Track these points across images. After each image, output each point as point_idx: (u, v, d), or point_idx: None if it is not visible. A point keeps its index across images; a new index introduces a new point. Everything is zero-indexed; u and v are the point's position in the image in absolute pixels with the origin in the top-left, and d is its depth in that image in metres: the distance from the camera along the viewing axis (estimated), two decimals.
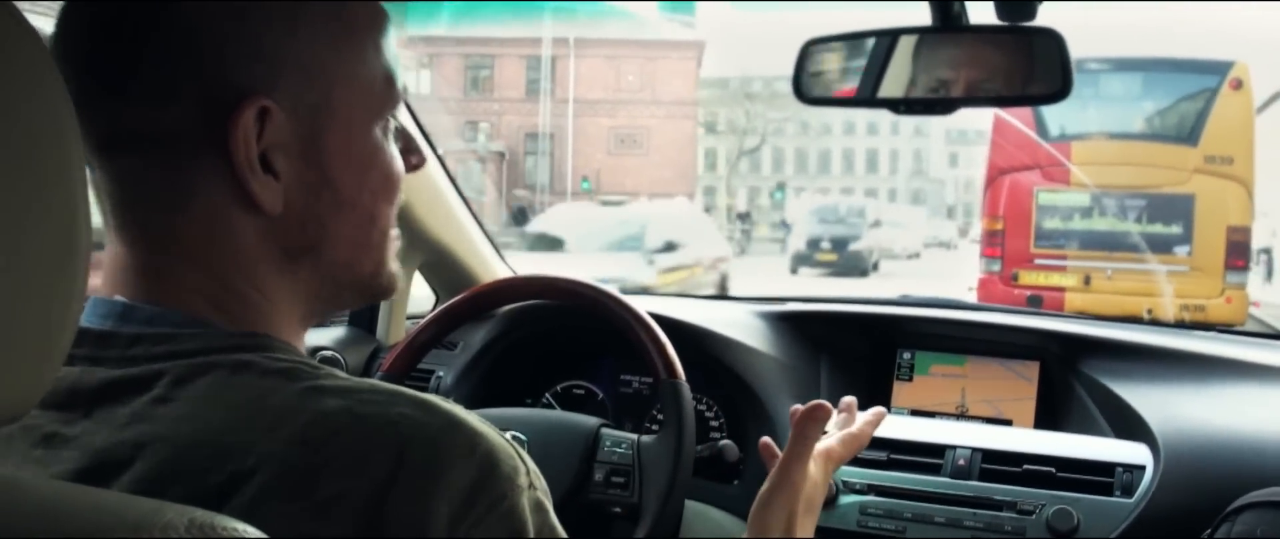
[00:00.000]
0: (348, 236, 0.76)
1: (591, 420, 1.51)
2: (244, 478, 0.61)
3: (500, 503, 0.65)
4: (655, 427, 1.81)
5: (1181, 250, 8.48)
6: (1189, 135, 8.54)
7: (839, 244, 21.08)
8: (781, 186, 45.13)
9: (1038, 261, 8.76)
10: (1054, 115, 8.79)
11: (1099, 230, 8.67)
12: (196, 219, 0.70)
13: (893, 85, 1.40)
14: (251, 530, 0.53)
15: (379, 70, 0.76)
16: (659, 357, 1.45)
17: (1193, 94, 8.65)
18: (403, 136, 0.80)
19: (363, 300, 0.82)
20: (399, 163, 0.79)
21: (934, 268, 23.42)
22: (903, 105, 1.39)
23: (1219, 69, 8.67)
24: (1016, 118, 8.67)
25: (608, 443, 1.48)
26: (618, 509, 1.44)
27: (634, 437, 1.48)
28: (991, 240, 8.97)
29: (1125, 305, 7.97)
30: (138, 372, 0.67)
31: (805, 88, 1.41)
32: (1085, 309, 7.81)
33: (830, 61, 1.42)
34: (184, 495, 0.60)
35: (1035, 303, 8.46)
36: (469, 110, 32.26)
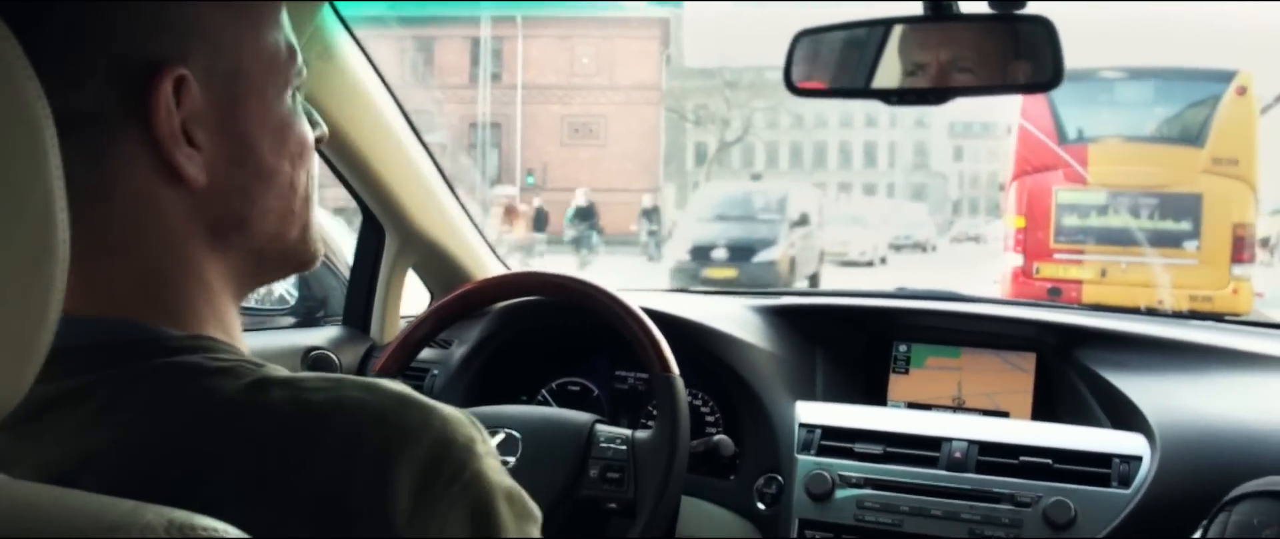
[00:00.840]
0: (273, 207, 0.75)
1: (585, 416, 1.51)
2: (198, 480, 0.61)
3: (463, 471, 0.65)
4: (650, 423, 1.81)
5: (1190, 245, 9.06)
6: (1197, 138, 9.19)
7: (741, 252, 14.29)
8: (757, 178, 38.43)
9: (1057, 256, 9.35)
10: (1072, 120, 9.51)
11: (1114, 227, 9.23)
12: (122, 204, 0.69)
13: (885, 76, 1.40)
14: (231, 530, 0.53)
15: (282, 40, 0.76)
16: (653, 351, 1.44)
17: (1200, 100, 9.35)
18: (305, 109, 0.80)
19: (290, 271, 0.81)
20: (309, 131, 0.79)
21: (900, 278, 18.82)
22: (895, 96, 1.39)
23: (1224, 77, 9.32)
24: (1037, 122, 9.40)
25: (602, 439, 1.47)
26: (613, 505, 1.43)
27: (628, 432, 1.47)
28: (1016, 236, 9.54)
29: (1138, 296, 8.68)
30: (79, 383, 0.66)
31: (796, 79, 1.40)
32: (1101, 299, 8.67)
33: (822, 52, 1.42)
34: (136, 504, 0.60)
35: (1055, 294, 9.05)
36: (406, 98, 30.90)
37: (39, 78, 0.65)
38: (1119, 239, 9.17)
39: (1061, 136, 9.44)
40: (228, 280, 0.75)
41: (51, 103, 0.66)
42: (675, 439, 1.39)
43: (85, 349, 0.67)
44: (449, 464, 0.64)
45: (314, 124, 0.81)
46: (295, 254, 0.79)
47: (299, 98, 0.79)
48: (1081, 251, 9.32)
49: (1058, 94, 8.70)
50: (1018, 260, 9.48)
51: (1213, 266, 8.96)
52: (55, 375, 0.65)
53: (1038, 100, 9.27)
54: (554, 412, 1.56)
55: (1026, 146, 9.52)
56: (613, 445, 1.46)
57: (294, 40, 0.78)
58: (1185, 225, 9.09)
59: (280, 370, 0.67)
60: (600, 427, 1.50)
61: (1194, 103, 9.42)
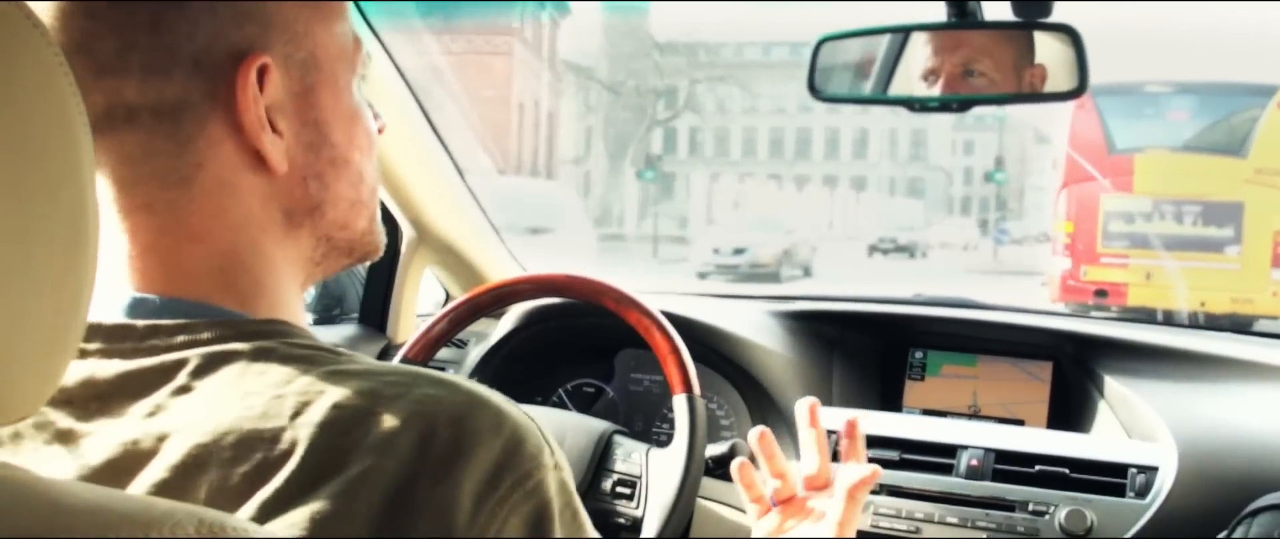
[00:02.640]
0: (345, 194, 0.78)
1: (604, 425, 1.51)
2: (274, 465, 0.61)
3: (526, 481, 0.65)
4: (666, 426, 1.80)
5: (1232, 250, 9.60)
6: (1240, 149, 9.71)
7: None
8: (652, 166, 32.43)
9: (1104, 260, 9.90)
10: (1120, 131, 9.97)
11: (1158, 233, 9.77)
12: (204, 190, 0.71)
13: (907, 83, 1.40)
14: (261, 531, 0.53)
15: (350, 30, 0.78)
16: (676, 368, 1.42)
17: (1243, 113, 9.87)
18: (367, 101, 0.82)
19: (353, 261, 0.83)
20: (373, 122, 0.82)
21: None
22: (918, 104, 1.39)
23: (1268, 91, 9.82)
24: (1086, 133, 9.89)
25: (619, 452, 1.47)
26: (622, 520, 1.43)
27: (645, 447, 1.47)
28: (1065, 241, 10.09)
29: (1182, 299, 9.57)
30: (156, 362, 0.67)
31: (820, 85, 1.40)
32: (1146, 302, 9.63)
33: (845, 58, 1.42)
34: (213, 485, 0.61)
35: (1101, 296, 9.83)
36: None
37: (130, 67, 0.67)
38: (1163, 245, 9.73)
39: (1110, 147, 9.90)
40: (297, 268, 0.77)
41: (143, 92, 0.68)
42: (690, 460, 1.38)
43: (164, 329, 0.68)
44: (514, 471, 0.65)
45: (376, 115, 0.83)
46: (361, 243, 0.82)
47: (362, 89, 0.81)
48: (1127, 256, 9.83)
49: (1106, 106, 9.87)
50: (1066, 264, 10.00)
51: (1254, 271, 9.46)
52: (133, 353, 0.67)
53: (1087, 112, 9.77)
54: (574, 417, 1.56)
55: (1075, 156, 9.97)
56: (629, 459, 1.46)
57: (359, 33, 0.80)
58: (1228, 232, 9.58)
59: (361, 359, 0.69)
60: (618, 437, 1.49)
61: (1237, 115, 9.89)
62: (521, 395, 1.79)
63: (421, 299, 2.08)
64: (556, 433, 1.45)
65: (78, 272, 0.51)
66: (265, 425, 0.63)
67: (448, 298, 2.08)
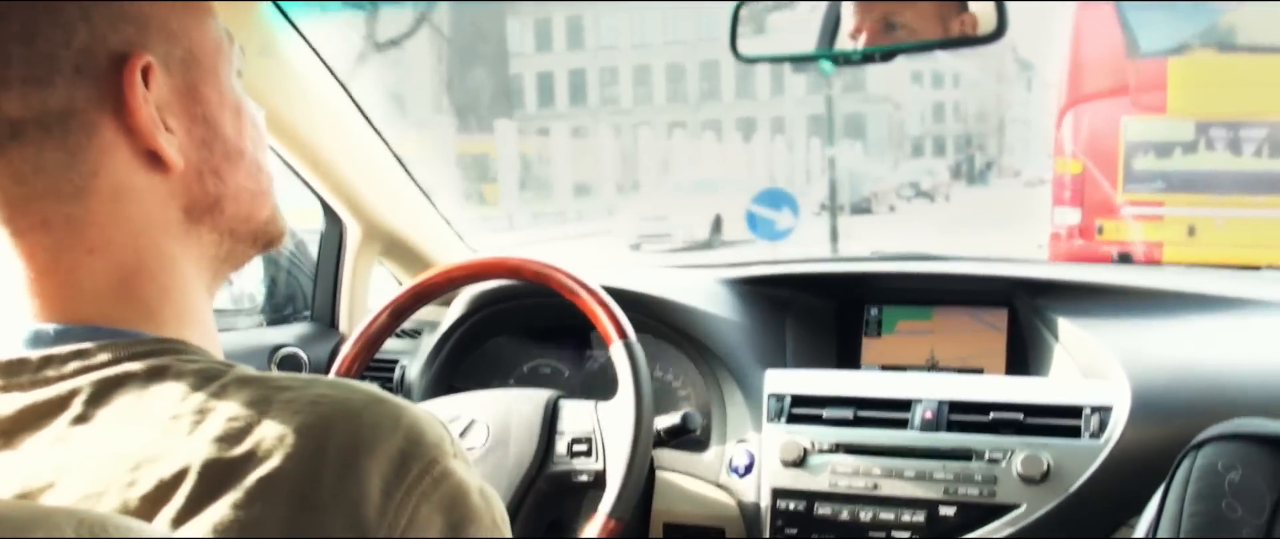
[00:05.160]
0: (245, 186, 0.78)
1: (548, 392, 1.51)
2: (172, 484, 0.61)
3: (433, 466, 0.65)
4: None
5: None
6: None
7: None
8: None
9: (1127, 210, 6.91)
10: (1145, 24, 6.88)
11: (1205, 170, 6.75)
12: (101, 199, 0.70)
13: (830, 37, 1.39)
14: (145, 529, 0.54)
15: (218, 24, 0.79)
16: (608, 320, 1.43)
17: None
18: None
19: (258, 251, 0.83)
20: (259, 111, 0.82)
21: None
22: (841, 57, 1.38)
23: None
24: (1096, 31, 6.92)
25: (567, 412, 1.47)
26: (584, 477, 1.43)
27: (592, 403, 1.47)
28: (1070, 185, 7.03)
29: (1241, 259, 5.75)
30: (52, 393, 0.66)
31: (740, 47, 1.39)
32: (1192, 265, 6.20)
33: (763, 17, 1.40)
34: (114, 511, 0.60)
35: (1125, 260, 6.70)
36: None
37: (9, 80, 0.66)
38: (1213, 185, 6.71)
39: (1131, 48, 6.83)
40: (202, 269, 0.77)
41: (25, 104, 0.67)
42: (639, 403, 1.39)
43: (58, 358, 0.67)
44: (418, 460, 0.65)
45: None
46: (265, 232, 0.82)
47: (239, 81, 0.81)
48: (1161, 204, 6.84)
49: None
50: (1073, 217, 7.03)
51: None
52: (30, 385, 0.67)
53: (1101, 8, 6.88)
54: (515, 392, 1.55)
55: (1081, 64, 6.97)
56: (577, 417, 1.46)
57: (228, 30, 0.80)
58: None
59: (250, 371, 0.68)
60: (563, 401, 1.49)
61: None
62: (477, 381, 1.78)
63: (383, 288, 2.07)
64: (501, 411, 1.46)
65: None
66: (163, 446, 0.62)
67: (399, 285, 2.07)
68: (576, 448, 1.44)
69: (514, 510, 1.41)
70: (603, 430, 1.44)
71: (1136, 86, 6.76)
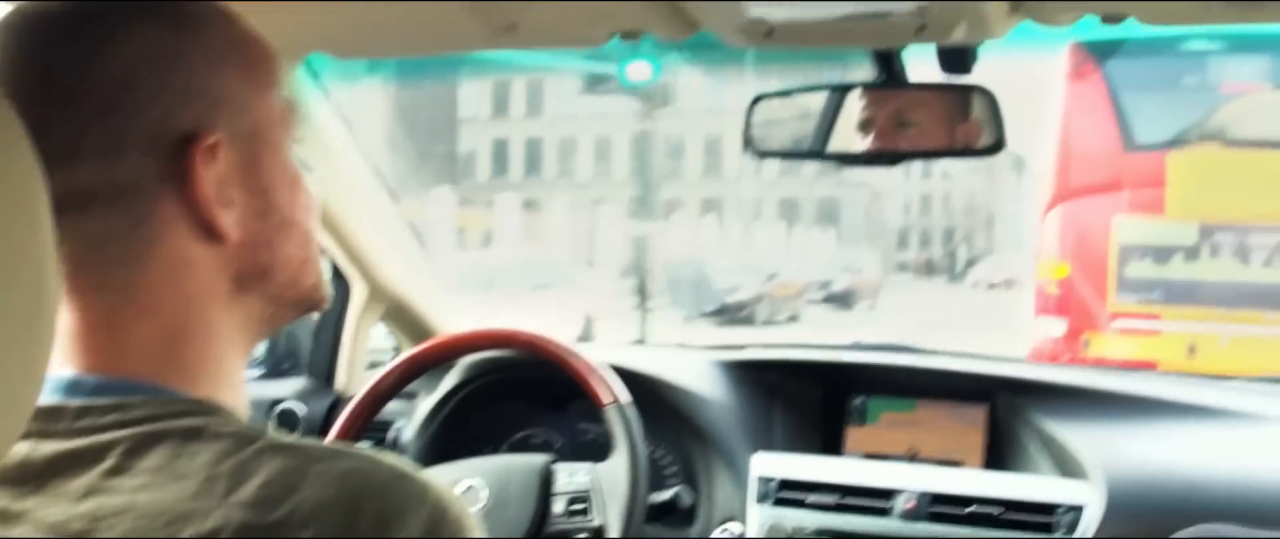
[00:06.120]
0: (294, 255, 0.79)
1: (542, 457, 1.55)
2: None
3: None
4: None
5: None
6: None
7: None
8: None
9: (1119, 324, 6.06)
10: (1143, 114, 6.10)
11: (1209, 280, 5.96)
12: (158, 266, 0.72)
13: (846, 133, 1.45)
14: None
15: (284, 92, 0.80)
16: (597, 383, 1.50)
17: None
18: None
19: (303, 314, 0.85)
20: (312, 182, 0.83)
21: None
22: (850, 159, 1.44)
23: None
24: (1088, 119, 6.14)
25: (562, 474, 1.52)
26: (583, 535, 1.47)
27: (588, 464, 1.52)
28: (1054, 293, 6.27)
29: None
30: (87, 443, 0.67)
31: (756, 142, 1.45)
32: None
33: (778, 114, 1.47)
34: None
35: None
36: None
37: (82, 153, 0.68)
38: (1217, 298, 5.91)
39: (1127, 141, 6.05)
40: (245, 331, 0.78)
41: (97, 176, 0.69)
42: (634, 460, 1.45)
43: (97, 408, 0.68)
44: (444, 534, 0.68)
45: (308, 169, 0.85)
46: (309, 298, 0.83)
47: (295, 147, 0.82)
48: (1158, 316, 6.01)
49: (1120, 75, 6.05)
50: (1056, 328, 6.20)
51: None
52: (67, 434, 0.68)
53: (1090, 87, 6.10)
54: (510, 457, 1.59)
55: (1070, 154, 6.23)
56: (574, 478, 1.51)
57: (293, 95, 0.82)
58: None
59: (285, 437, 0.70)
60: (558, 465, 1.54)
61: None
62: (468, 448, 1.82)
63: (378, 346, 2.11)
64: (499, 475, 1.50)
65: (35, 344, 0.53)
66: (197, 506, 0.64)
67: (397, 350, 2.11)
68: (574, 507, 1.48)
69: None
70: (600, 489, 1.48)
71: (1132, 182, 5.98)
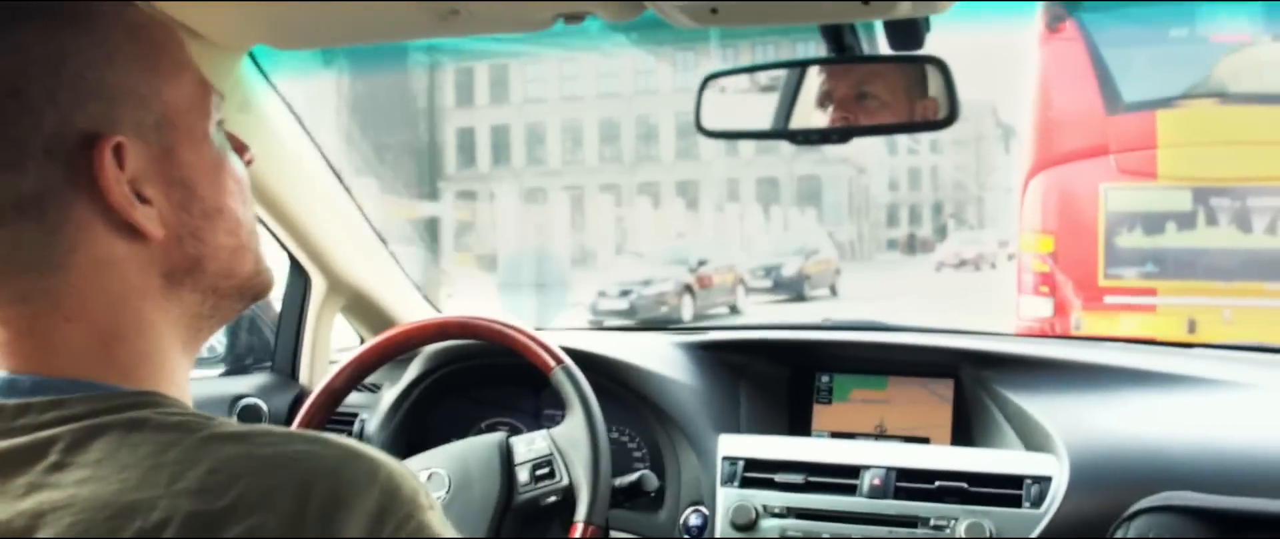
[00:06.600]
0: (224, 243, 0.78)
1: (498, 435, 1.55)
2: (153, 531, 0.62)
3: (408, 521, 0.67)
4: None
5: None
6: None
7: None
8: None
9: (1110, 299, 5.62)
10: (1129, 71, 5.61)
11: (1207, 248, 5.53)
12: (81, 273, 0.70)
13: (806, 110, 1.44)
14: None
15: (194, 76, 0.78)
16: (540, 350, 1.51)
17: None
18: (230, 138, 0.82)
19: (245, 304, 0.83)
20: (240, 163, 0.82)
21: None
22: (801, 135, 1.43)
23: None
24: (1069, 78, 5.66)
25: (521, 445, 1.52)
26: (552, 498, 1.46)
27: (544, 430, 1.52)
28: (1039, 269, 5.79)
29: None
30: (27, 440, 0.67)
31: (706, 122, 1.44)
32: None
33: (729, 94, 1.46)
34: None
35: None
36: None
37: None
38: (1217, 269, 5.48)
39: (1112, 101, 5.57)
40: (181, 329, 0.77)
41: (1, 189, 0.67)
42: (590, 417, 1.46)
43: (35, 406, 0.68)
44: (396, 513, 0.67)
45: (241, 150, 0.83)
46: (250, 286, 0.82)
47: (221, 129, 0.80)
48: (1153, 292, 5.55)
49: (1103, 30, 5.59)
50: (1042, 308, 5.73)
51: None
52: (5, 433, 0.67)
53: (1067, 44, 5.65)
54: (467, 441, 1.58)
55: (1051, 118, 5.81)
56: (533, 445, 1.51)
57: (204, 74, 0.80)
58: None
59: (230, 424, 0.69)
60: (515, 437, 1.54)
61: None
62: (434, 439, 1.80)
63: (342, 337, 2.09)
64: (458, 459, 1.49)
65: None
66: (142, 496, 0.63)
67: (361, 342, 2.09)
68: (539, 472, 1.48)
69: None
70: (560, 451, 1.48)
71: (1119, 145, 5.54)
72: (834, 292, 22.62)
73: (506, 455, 1.50)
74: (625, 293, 16.92)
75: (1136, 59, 5.67)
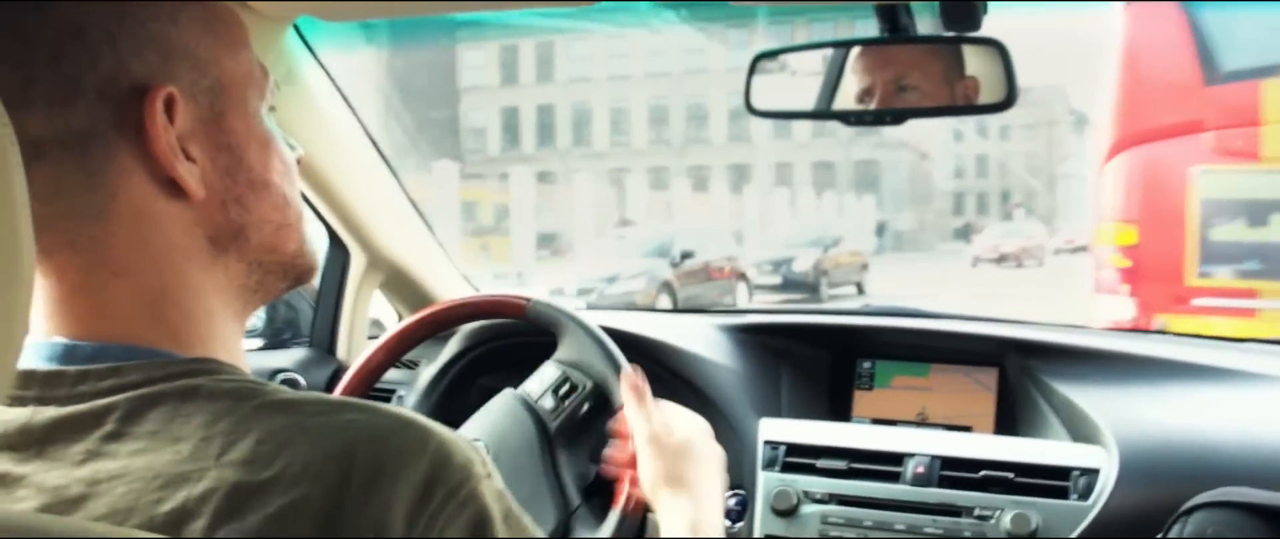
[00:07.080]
0: (270, 217, 0.79)
1: (504, 390, 1.52)
2: (197, 503, 0.63)
3: (459, 491, 0.66)
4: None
5: None
6: None
7: None
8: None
9: (1199, 301, 4.82)
10: (1229, 39, 4.82)
11: None
12: (122, 221, 0.71)
13: (843, 97, 1.42)
14: None
15: (253, 58, 0.80)
16: (503, 301, 1.53)
17: None
18: (280, 133, 0.83)
19: (289, 284, 0.83)
20: (289, 151, 0.83)
21: None
22: (853, 117, 1.41)
23: None
24: (1159, 49, 4.90)
25: (531, 383, 1.49)
26: (586, 406, 1.45)
27: (545, 362, 1.51)
28: (1115, 266, 5.02)
29: None
30: (86, 408, 0.68)
31: (755, 102, 1.42)
32: None
33: (779, 74, 1.43)
34: (141, 528, 0.62)
35: None
36: None
37: (32, 100, 0.67)
38: None
39: (1210, 71, 4.78)
40: (229, 296, 0.78)
41: (49, 124, 0.68)
42: (583, 325, 1.47)
43: (94, 373, 0.69)
44: (445, 483, 0.66)
45: (291, 147, 0.84)
46: (294, 266, 0.82)
47: (273, 119, 0.81)
48: (1254, 294, 4.74)
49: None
50: (1123, 309, 4.93)
51: None
52: (65, 399, 0.68)
53: (1163, 13, 4.87)
54: (483, 408, 1.53)
55: (1137, 90, 4.92)
56: (542, 378, 1.48)
57: (262, 62, 0.81)
58: None
59: (282, 392, 0.69)
60: (523, 385, 1.51)
61: None
62: (472, 414, 1.79)
63: (381, 313, 2.09)
64: (482, 424, 1.46)
65: (10, 299, 0.51)
66: (191, 467, 0.64)
67: (400, 318, 2.08)
68: (561, 392, 1.46)
69: (559, 486, 1.41)
70: (570, 365, 1.47)
71: (1217, 121, 4.76)
72: (861, 290, 20.16)
73: (525, 402, 1.49)
74: (585, 291, 14.12)
75: (1240, 21, 4.88)
